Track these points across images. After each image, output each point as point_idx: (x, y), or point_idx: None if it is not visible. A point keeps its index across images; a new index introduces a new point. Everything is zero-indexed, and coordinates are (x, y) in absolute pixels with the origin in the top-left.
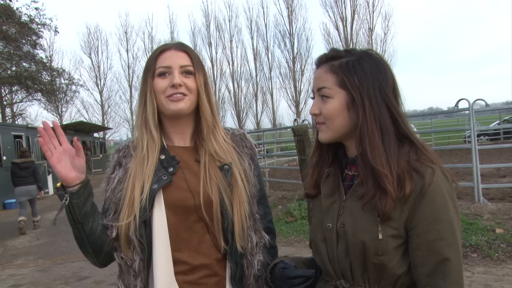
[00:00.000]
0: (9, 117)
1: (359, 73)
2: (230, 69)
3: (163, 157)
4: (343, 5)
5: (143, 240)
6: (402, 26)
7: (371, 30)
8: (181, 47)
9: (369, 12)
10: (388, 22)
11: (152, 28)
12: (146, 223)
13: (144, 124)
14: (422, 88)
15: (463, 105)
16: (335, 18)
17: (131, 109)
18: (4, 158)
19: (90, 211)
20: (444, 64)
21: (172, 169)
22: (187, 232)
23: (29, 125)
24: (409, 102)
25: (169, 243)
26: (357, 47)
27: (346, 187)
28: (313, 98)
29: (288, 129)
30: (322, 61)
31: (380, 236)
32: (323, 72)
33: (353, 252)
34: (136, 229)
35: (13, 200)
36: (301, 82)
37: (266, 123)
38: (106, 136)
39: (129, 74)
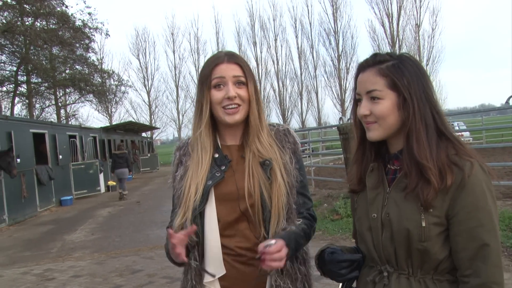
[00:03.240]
0: (63, 117)
1: (407, 74)
2: (275, 68)
3: (216, 155)
4: (389, 1)
5: (198, 231)
6: (451, 20)
7: (418, 26)
8: (233, 58)
9: (416, 7)
10: (436, 17)
11: (197, 29)
12: (201, 215)
13: (200, 131)
14: (473, 84)
15: None
16: (381, 14)
17: (177, 109)
18: (60, 157)
19: None
20: (497, 58)
21: (224, 167)
22: (234, 222)
23: (82, 125)
24: (459, 99)
25: (218, 232)
26: (404, 44)
27: (390, 180)
28: (358, 100)
29: (334, 128)
30: (368, 64)
31: (424, 224)
32: (372, 76)
33: (397, 238)
34: (191, 222)
35: (69, 197)
36: (346, 80)
37: (311, 122)
38: (154, 136)
39: (175, 74)
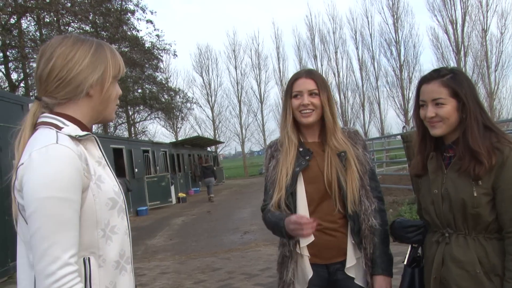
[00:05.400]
0: (133, 134)
1: (464, 85)
2: (336, 80)
3: (301, 149)
4: (453, 8)
5: (291, 206)
6: None
7: (485, 31)
8: (309, 75)
9: (482, 12)
10: (505, 20)
11: (258, 45)
12: (292, 194)
13: (286, 129)
14: None
15: None
16: (444, 22)
17: (240, 123)
18: (136, 170)
19: None
20: None
21: (308, 157)
22: (319, 200)
23: (154, 141)
24: None
25: (307, 208)
26: (470, 50)
27: (446, 164)
28: (421, 105)
29: (397, 137)
30: (433, 77)
31: (475, 194)
32: (437, 87)
33: (455, 207)
34: (285, 199)
35: (144, 208)
36: (409, 90)
37: (374, 133)
38: (217, 150)
39: (237, 90)
